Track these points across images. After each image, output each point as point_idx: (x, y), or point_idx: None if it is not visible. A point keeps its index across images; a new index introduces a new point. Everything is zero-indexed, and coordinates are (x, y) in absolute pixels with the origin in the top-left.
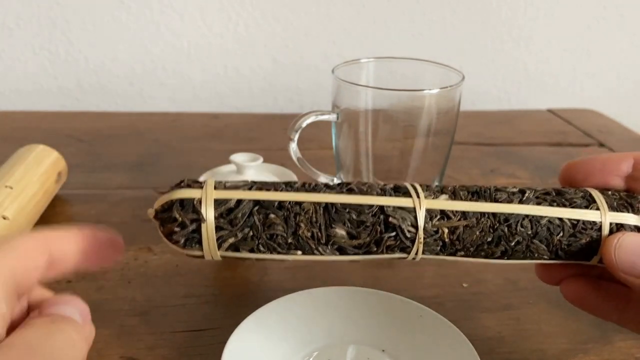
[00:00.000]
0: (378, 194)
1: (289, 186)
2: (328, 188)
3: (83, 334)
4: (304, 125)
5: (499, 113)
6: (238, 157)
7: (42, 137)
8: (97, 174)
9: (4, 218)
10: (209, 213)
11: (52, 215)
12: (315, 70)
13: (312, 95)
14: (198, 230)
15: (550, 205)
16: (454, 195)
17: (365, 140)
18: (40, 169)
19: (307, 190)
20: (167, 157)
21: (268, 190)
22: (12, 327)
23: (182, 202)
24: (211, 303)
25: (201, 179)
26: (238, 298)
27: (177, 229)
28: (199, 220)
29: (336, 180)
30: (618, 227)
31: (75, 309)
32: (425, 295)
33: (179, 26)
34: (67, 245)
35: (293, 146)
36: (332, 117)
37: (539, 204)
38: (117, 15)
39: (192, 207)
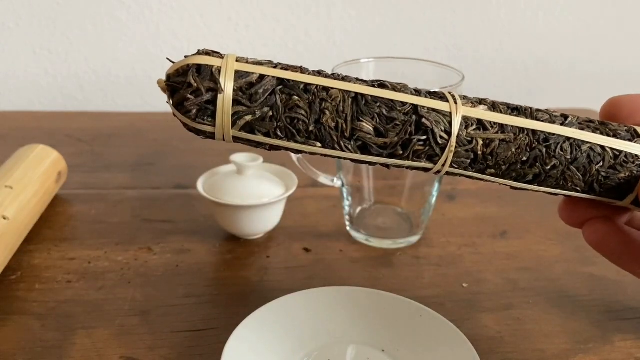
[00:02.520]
0: (412, 94)
1: (317, 72)
2: (360, 81)
3: None
4: None
5: None
6: (238, 157)
7: (42, 137)
8: (97, 174)
9: (4, 218)
10: (228, 84)
11: (52, 215)
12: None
13: None
14: (213, 102)
15: (594, 132)
16: (493, 108)
17: None
18: (40, 169)
19: (336, 79)
20: (167, 157)
21: (295, 71)
22: None
23: (200, 68)
24: (211, 303)
25: (200, 180)
26: (238, 298)
27: (190, 96)
28: (215, 90)
29: (336, 181)
30: None
31: None
32: (425, 295)
33: (179, 26)
34: None
35: None
36: None
37: (581, 129)
38: (117, 15)
39: (210, 75)
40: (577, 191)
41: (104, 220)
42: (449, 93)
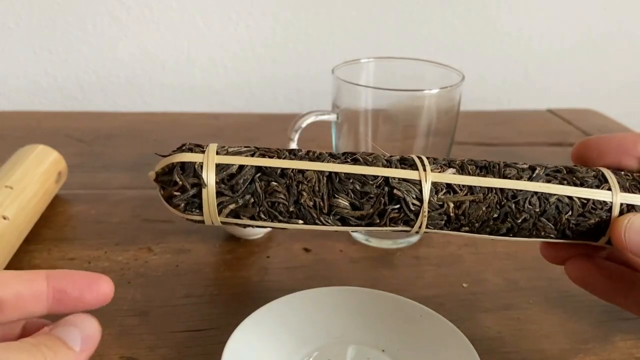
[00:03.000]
0: (384, 165)
1: (292, 154)
2: (332, 157)
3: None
4: (304, 125)
5: (499, 113)
6: None
7: (42, 137)
8: (97, 174)
9: (4, 218)
10: (210, 178)
11: (52, 215)
12: (315, 70)
13: (312, 95)
14: (199, 195)
15: (561, 183)
16: (462, 170)
17: (365, 140)
18: (40, 169)
19: (310, 159)
20: None
21: (271, 157)
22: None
23: (183, 166)
24: (211, 303)
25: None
26: (238, 298)
27: (177, 193)
28: (199, 184)
29: None
30: (629, 208)
31: (77, 333)
32: (425, 295)
33: (179, 26)
34: (21, 287)
35: (293, 146)
36: (332, 117)
37: (549, 181)
38: (117, 15)
39: (193, 171)
40: (551, 238)
41: (104, 220)
42: (418, 158)
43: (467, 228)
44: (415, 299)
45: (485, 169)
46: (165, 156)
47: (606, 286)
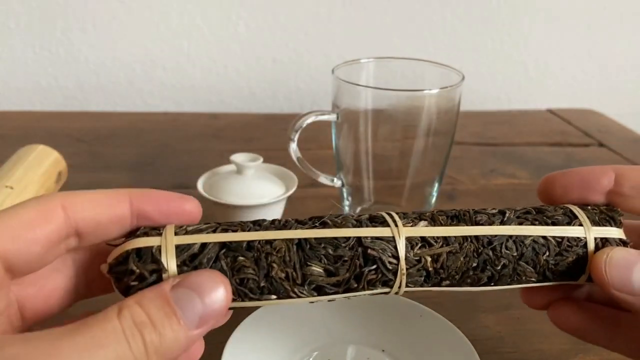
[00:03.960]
0: (354, 226)
1: (257, 224)
2: (299, 223)
3: (172, 350)
4: (304, 125)
5: (499, 113)
6: (238, 157)
7: (42, 137)
8: (97, 174)
9: None
10: (170, 262)
11: None
12: (315, 70)
13: (312, 95)
14: (159, 282)
15: (533, 224)
16: (433, 221)
17: (365, 140)
18: (40, 169)
19: (277, 228)
20: (167, 157)
21: (234, 230)
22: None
23: (140, 252)
24: None
25: (200, 180)
26: None
27: (134, 283)
28: (159, 270)
29: (336, 181)
30: (603, 242)
31: (198, 304)
32: (425, 295)
33: (179, 26)
34: (101, 213)
35: (293, 146)
36: (332, 117)
37: (520, 224)
38: (117, 15)
39: (151, 257)
40: (532, 282)
41: None
42: (388, 214)
43: (447, 282)
44: (415, 299)
45: (457, 218)
46: (117, 245)
47: (590, 329)
